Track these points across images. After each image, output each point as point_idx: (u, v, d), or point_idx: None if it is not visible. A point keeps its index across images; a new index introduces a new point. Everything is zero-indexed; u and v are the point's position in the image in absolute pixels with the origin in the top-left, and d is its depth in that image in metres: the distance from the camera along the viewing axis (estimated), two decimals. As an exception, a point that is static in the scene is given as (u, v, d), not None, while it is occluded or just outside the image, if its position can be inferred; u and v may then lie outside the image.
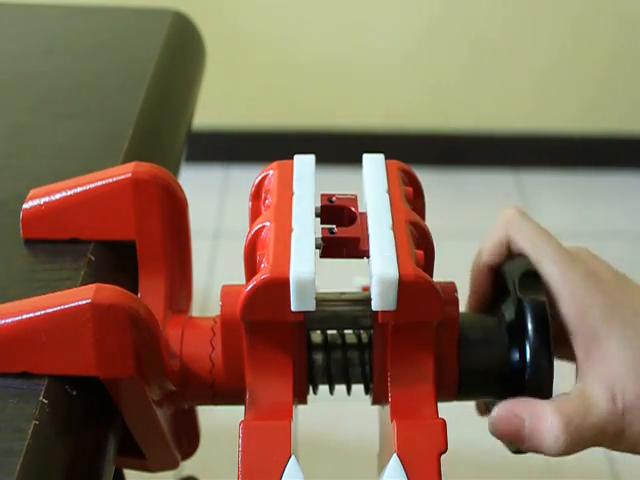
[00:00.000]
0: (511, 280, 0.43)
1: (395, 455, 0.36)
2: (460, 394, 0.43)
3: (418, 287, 0.37)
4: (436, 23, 1.71)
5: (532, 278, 0.42)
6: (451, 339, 0.42)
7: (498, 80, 1.78)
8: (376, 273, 0.37)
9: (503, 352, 0.42)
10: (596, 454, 1.33)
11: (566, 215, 1.75)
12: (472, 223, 1.72)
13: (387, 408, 0.39)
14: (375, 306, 0.37)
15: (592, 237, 1.69)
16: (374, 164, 0.43)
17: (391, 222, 0.39)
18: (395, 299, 0.37)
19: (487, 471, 1.22)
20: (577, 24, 1.72)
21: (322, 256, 0.38)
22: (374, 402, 0.43)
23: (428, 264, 0.40)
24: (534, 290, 0.42)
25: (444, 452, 0.36)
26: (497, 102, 1.80)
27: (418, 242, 0.40)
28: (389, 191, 0.41)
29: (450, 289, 0.42)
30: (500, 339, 0.42)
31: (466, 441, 1.21)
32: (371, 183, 0.42)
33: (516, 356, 0.41)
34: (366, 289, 0.48)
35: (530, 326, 0.41)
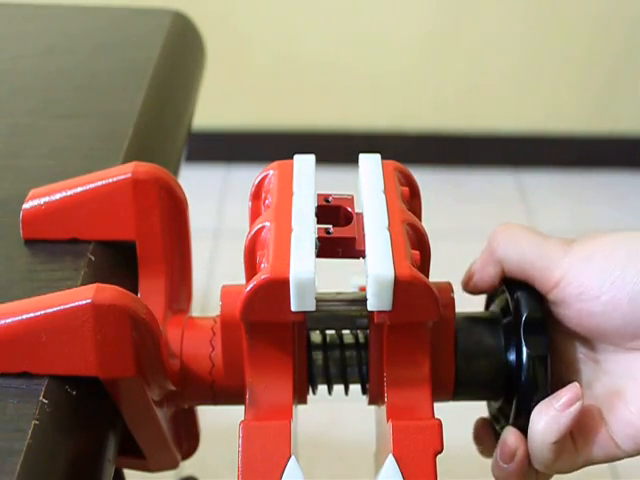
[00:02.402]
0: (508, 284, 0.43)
1: (391, 455, 0.36)
2: (456, 394, 0.43)
3: (414, 287, 0.37)
4: (438, 24, 1.71)
5: (531, 288, 0.42)
6: (447, 339, 0.42)
7: (498, 80, 1.78)
8: (372, 273, 0.37)
9: (499, 352, 0.42)
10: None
11: (566, 215, 1.75)
12: (472, 223, 1.72)
13: (383, 408, 0.39)
14: (371, 306, 0.37)
15: (592, 237, 1.69)
16: (370, 164, 0.43)
17: (387, 222, 0.39)
18: (390, 299, 0.37)
19: (487, 470, 1.22)
20: (579, 26, 1.72)
21: (318, 256, 0.38)
22: (370, 402, 0.43)
23: (424, 264, 0.40)
24: (531, 297, 0.42)
25: (440, 452, 0.36)
26: (497, 102, 1.80)
27: (414, 242, 0.40)
28: (385, 191, 0.41)
29: (446, 289, 0.42)
30: (496, 340, 0.42)
31: (465, 440, 1.21)
32: (367, 183, 0.42)
33: (512, 357, 0.41)
34: (363, 289, 0.48)
35: (526, 331, 0.41)
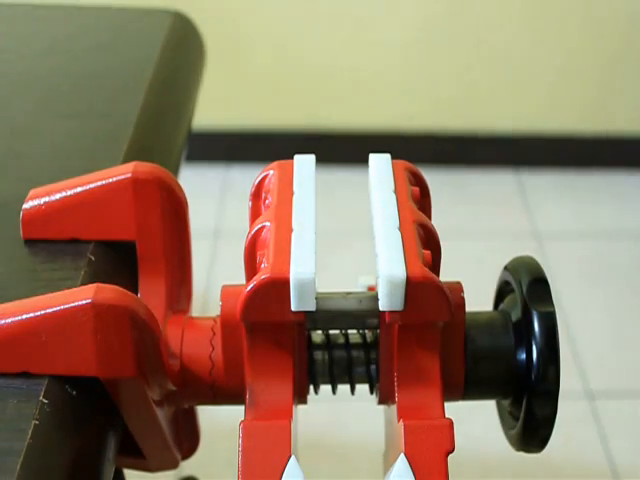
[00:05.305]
0: (518, 283, 0.43)
1: (402, 455, 0.36)
2: (466, 394, 0.43)
3: (425, 287, 0.37)
4: (437, 24, 1.71)
5: (540, 284, 0.42)
6: (457, 339, 0.42)
7: (498, 80, 1.78)
8: (384, 273, 0.37)
9: (509, 352, 0.42)
10: (595, 453, 1.33)
11: (566, 215, 1.75)
12: (472, 223, 1.72)
13: (393, 408, 0.39)
14: (382, 306, 0.37)
15: (592, 237, 1.69)
16: (380, 164, 0.43)
17: (398, 222, 0.39)
18: (403, 299, 0.37)
19: (487, 471, 1.22)
20: (579, 24, 1.72)
21: None
22: (380, 402, 0.43)
23: (435, 264, 0.40)
24: (542, 298, 0.42)
25: (451, 452, 0.36)
26: (497, 102, 1.80)
27: (425, 242, 0.40)
28: (396, 191, 0.41)
29: (456, 289, 0.42)
30: (506, 339, 0.42)
31: (466, 440, 1.21)
32: (378, 183, 0.42)
33: (522, 356, 0.41)
34: (371, 289, 0.48)
35: (538, 335, 0.41)
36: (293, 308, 0.37)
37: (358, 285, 0.49)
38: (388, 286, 0.37)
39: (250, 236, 0.40)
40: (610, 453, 1.24)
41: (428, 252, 0.39)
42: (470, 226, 1.71)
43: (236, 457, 0.36)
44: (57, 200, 0.45)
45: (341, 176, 1.74)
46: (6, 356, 0.38)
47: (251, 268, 0.40)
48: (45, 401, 0.37)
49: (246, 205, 0.44)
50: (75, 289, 0.39)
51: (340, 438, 1.29)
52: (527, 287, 0.42)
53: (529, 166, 1.86)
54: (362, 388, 0.44)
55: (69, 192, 0.45)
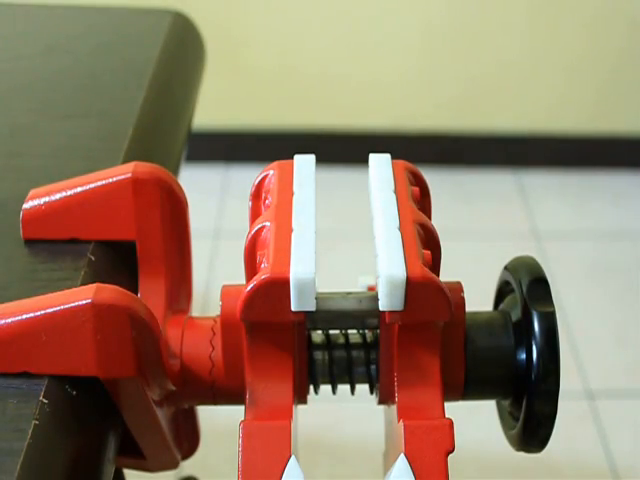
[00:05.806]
0: (518, 283, 0.43)
1: (402, 455, 0.36)
2: (466, 394, 0.43)
3: (426, 287, 0.37)
4: (438, 25, 1.71)
5: (540, 284, 0.42)
6: (457, 339, 0.42)
7: (498, 80, 1.78)
8: (384, 273, 0.37)
9: (509, 352, 0.42)
10: (595, 453, 1.33)
11: (566, 215, 1.75)
12: (472, 223, 1.72)
13: (393, 408, 0.39)
14: (383, 306, 0.37)
15: (592, 237, 1.69)
16: (380, 164, 0.44)
17: (398, 222, 0.39)
18: (403, 299, 0.37)
19: (487, 471, 1.22)
20: (579, 26, 1.72)
21: None
22: (380, 402, 0.43)
23: (435, 264, 0.40)
24: (542, 298, 0.42)
25: (451, 452, 0.36)
26: (497, 102, 1.81)
27: (425, 242, 0.40)
28: (396, 191, 0.41)
29: (456, 289, 0.42)
30: (506, 339, 0.42)
31: (465, 440, 1.21)
32: (378, 183, 0.42)
33: (522, 357, 0.42)
34: (371, 289, 0.48)
35: (538, 335, 0.41)
36: (293, 308, 0.37)
37: (358, 285, 0.49)
38: (388, 286, 0.37)
39: (250, 236, 0.40)
40: (610, 453, 1.24)
41: (428, 252, 0.39)
42: (470, 226, 1.71)
43: (236, 457, 0.36)
44: (57, 200, 0.45)
45: (341, 176, 1.74)
46: (6, 356, 0.38)
47: (251, 268, 0.40)
48: (45, 401, 0.37)
49: (246, 205, 0.44)
50: (75, 289, 0.39)
51: (340, 438, 1.29)
52: (527, 287, 0.42)
53: (529, 166, 1.86)
54: (362, 388, 0.44)
55: (69, 192, 0.45)
